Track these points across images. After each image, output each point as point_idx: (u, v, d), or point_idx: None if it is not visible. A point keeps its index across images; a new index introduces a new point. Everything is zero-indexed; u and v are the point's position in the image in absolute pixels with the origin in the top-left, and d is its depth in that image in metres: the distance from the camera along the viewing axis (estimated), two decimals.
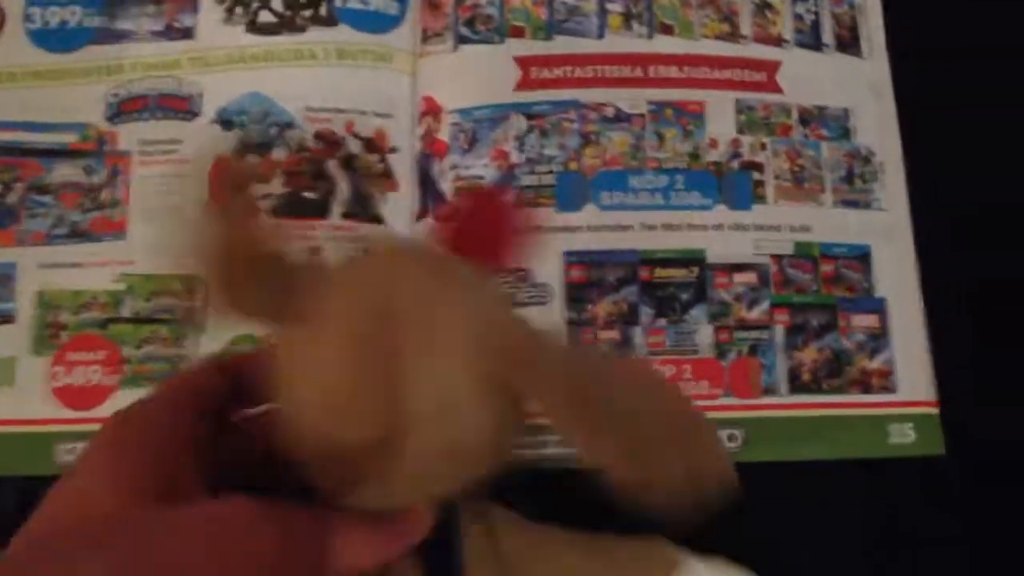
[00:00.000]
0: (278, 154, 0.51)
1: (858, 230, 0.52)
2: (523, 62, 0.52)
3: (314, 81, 0.51)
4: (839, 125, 0.54)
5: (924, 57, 0.55)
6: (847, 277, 0.51)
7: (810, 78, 0.54)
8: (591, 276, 0.49)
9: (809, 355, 0.50)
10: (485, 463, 0.26)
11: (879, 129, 0.54)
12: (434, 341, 0.25)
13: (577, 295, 0.49)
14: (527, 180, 0.51)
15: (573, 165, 0.51)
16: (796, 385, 0.49)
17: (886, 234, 0.52)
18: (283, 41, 0.52)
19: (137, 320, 0.48)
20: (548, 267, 0.49)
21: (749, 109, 0.53)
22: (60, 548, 0.22)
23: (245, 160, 0.50)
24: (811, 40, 0.55)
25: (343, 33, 0.52)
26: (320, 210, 0.50)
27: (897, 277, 0.51)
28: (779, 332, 0.50)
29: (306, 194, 0.50)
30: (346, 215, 0.50)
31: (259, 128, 0.51)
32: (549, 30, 0.53)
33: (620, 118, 0.52)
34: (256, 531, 0.24)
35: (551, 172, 0.51)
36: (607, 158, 0.51)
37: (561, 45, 0.53)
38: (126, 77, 0.51)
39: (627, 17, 0.54)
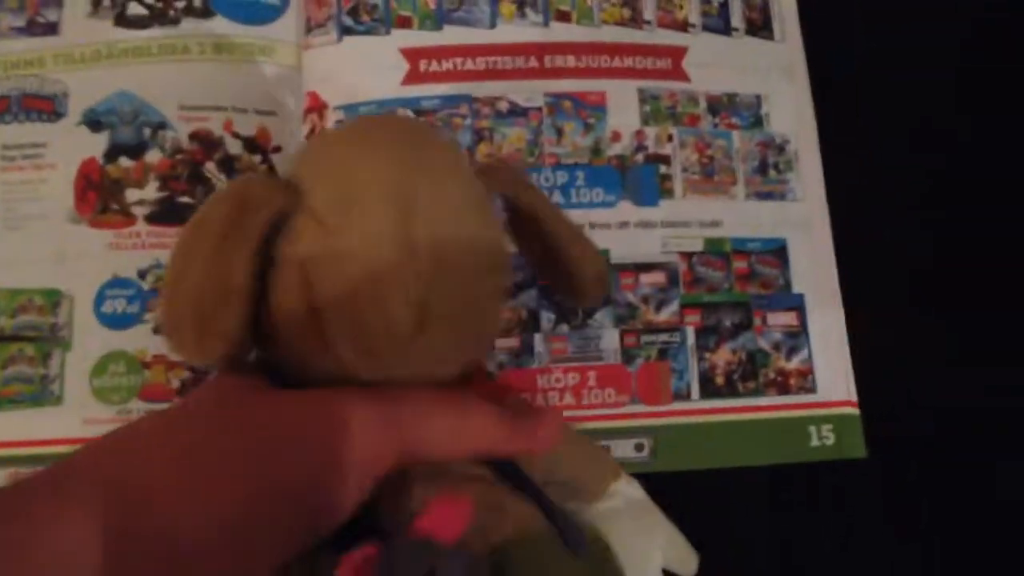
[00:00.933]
0: (151, 157, 0.47)
1: (773, 223, 0.50)
2: (410, 54, 0.49)
3: (189, 77, 0.48)
4: (751, 113, 0.51)
5: (838, 35, 0.52)
6: (762, 273, 0.49)
7: (719, 64, 0.51)
8: None
9: (723, 357, 0.47)
10: (502, 277, 0.32)
11: (794, 115, 0.51)
12: (439, 180, 0.30)
13: None
14: None
15: None
16: (709, 389, 0.47)
17: (803, 226, 0.50)
18: (155, 35, 0.48)
19: (0, 338, 0.45)
20: None
21: (654, 98, 0.50)
22: None
23: (116, 164, 0.47)
24: (720, 24, 0.52)
25: (220, 25, 0.49)
26: None
27: (815, 271, 0.49)
28: (690, 334, 0.47)
29: (183, 199, 0.47)
30: None
31: (130, 129, 0.47)
32: (438, 20, 0.49)
33: (515, 112, 0.48)
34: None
35: None
36: (502, 155, 0.48)
37: (451, 36, 0.49)
38: None
39: (520, 5, 0.50)
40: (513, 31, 0.50)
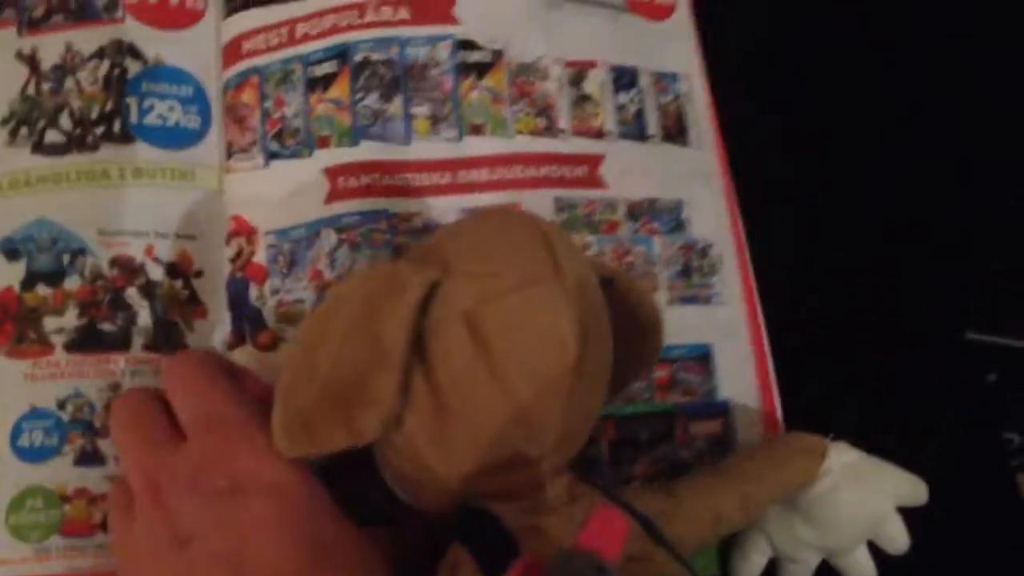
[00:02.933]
0: (70, 284, 0.46)
1: (698, 328, 0.49)
2: (331, 173, 0.48)
3: (108, 203, 0.47)
4: (672, 218, 0.51)
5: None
6: (685, 381, 0.48)
7: (637, 170, 0.52)
8: None
9: (641, 471, 0.47)
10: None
11: (714, 220, 0.52)
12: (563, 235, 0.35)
13: None
14: None
15: None
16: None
17: (727, 331, 0.50)
18: (73, 161, 0.48)
19: None
20: None
21: (571, 207, 0.50)
22: None
23: (34, 292, 0.46)
24: (635, 131, 0.52)
25: (140, 150, 0.49)
26: (120, 342, 0.46)
27: (740, 377, 0.49)
28: (603, 447, 0.46)
29: (103, 325, 0.46)
30: (148, 346, 0.46)
31: (48, 256, 0.47)
32: (354, 136, 0.49)
33: (430, 228, 0.48)
34: None
35: None
36: None
37: (367, 151, 0.49)
38: None
39: (434, 120, 0.50)
40: (428, 147, 0.49)
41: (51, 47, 0.49)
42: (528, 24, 0.52)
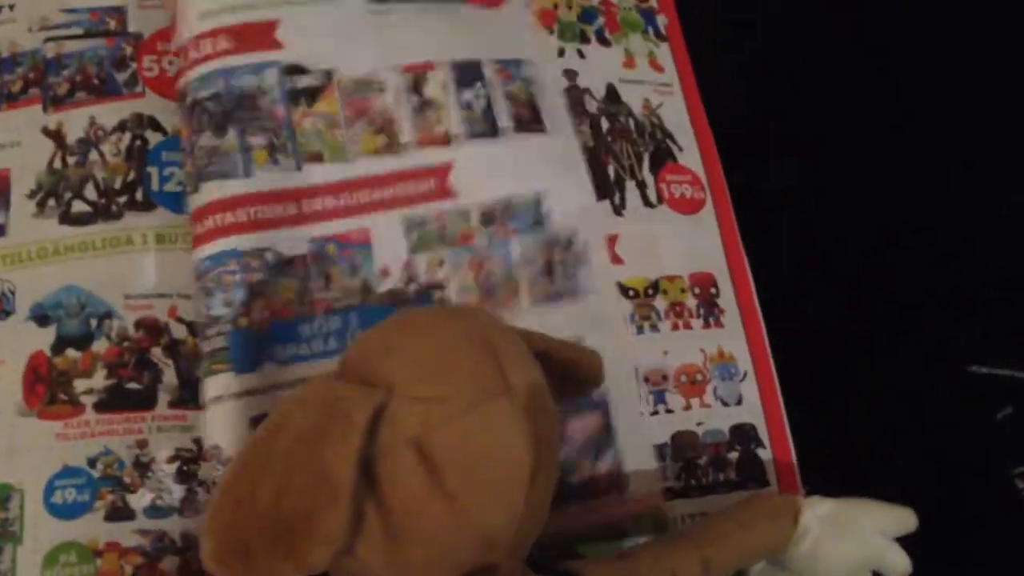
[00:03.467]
0: (98, 346, 0.49)
1: (567, 323, 0.47)
2: (190, 222, 0.48)
3: (132, 268, 0.49)
4: (529, 215, 0.48)
5: None
6: None
7: (490, 169, 0.49)
8: None
9: None
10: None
11: (577, 206, 0.49)
12: (502, 331, 0.34)
13: None
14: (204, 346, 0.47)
15: (243, 321, 0.46)
16: None
17: (598, 321, 0.47)
18: (98, 230, 0.50)
19: None
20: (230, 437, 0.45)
21: (420, 225, 0.47)
22: None
23: (63, 355, 0.48)
24: (486, 128, 0.49)
25: (161, 217, 0.51)
26: (146, 400, 0.48)
27: (616, 368, 0.46)
28: None
29: (130, 385, 0.49)
30: (174, 403, 0.48)
31: (76, 321, 0.49)
32: (195, 181, 0.48)
33: (282, 262, 0.47)
34: None
35: (221, 334, 0.46)
36: (275, 308, 0.46)
37: (209, 192, 0.48)
38: None
39: (271, 150, 0.48)
40: (269, 178, 0.48)
41: (75, 122, 0.51)
42: (355, 36, 0.50)
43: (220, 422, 0.45)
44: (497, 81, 0.51)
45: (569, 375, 0.39)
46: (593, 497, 0.46)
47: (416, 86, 0.50)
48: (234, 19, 0.50)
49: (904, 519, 0.42)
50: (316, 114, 0.49)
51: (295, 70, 0.50)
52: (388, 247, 0.48)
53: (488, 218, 0.48)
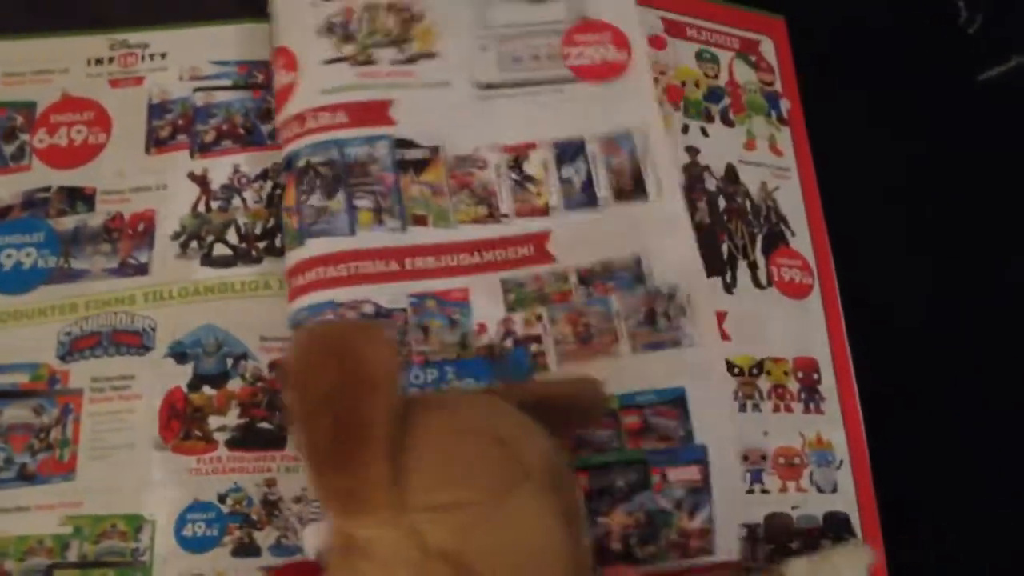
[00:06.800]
0: (233, 385, 0.51)
1: (667, 373, 0.49)
2: (288, 274, 0.51)
3: (268, 311, 0.52)
4: (630, 274, 0.50)
5: None
6: (659, 426, 0.47)
7: (587, 238, 0.51)
8: None
9: (617, 520, 0.46)
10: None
11: (678, 264, 0.50)
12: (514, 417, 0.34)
13: None
14: None
15: None
16: (605, 555, 0.45)
17: (700, 373, 0.48)
18: (238, 273, 0.53)
19: (83, 565, 0.47)
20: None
21: (518, 286, 0.50)
22: None
23: (200, 392, 0.51)
24: (583, 200, 0.52)
25: None
26: (277, 440, 0.50)
27: (717, 419, 0.48)
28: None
29: (262, 424, 0.50)
30: None
31: (213, 360, 0.51)
32: (301, 237, 0.51)
33: (380, 314, 0.49)
34: None
35: None
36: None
37: (314, 248, 0.50)
38: (80, 315, 0.51)
39: (377, 212, 0.51)
40: (372, 236, 0.50)
41: (220, 169, 0.55)
42: (462, 118, 0.54)
43: None
44: (600, 156, 0.53)
45: (572, 408, 0.40)
46: (683, 555, 0.46)
47: (517, 163, 0.54)
48: (352, 97, 0.53)
49: (870, 555, 0.44)
50: (422, 182, 0.52)
51: (405, 144, 0.53)
52: (486, 306, 0.50)
53: (586, 278, 0.50)
